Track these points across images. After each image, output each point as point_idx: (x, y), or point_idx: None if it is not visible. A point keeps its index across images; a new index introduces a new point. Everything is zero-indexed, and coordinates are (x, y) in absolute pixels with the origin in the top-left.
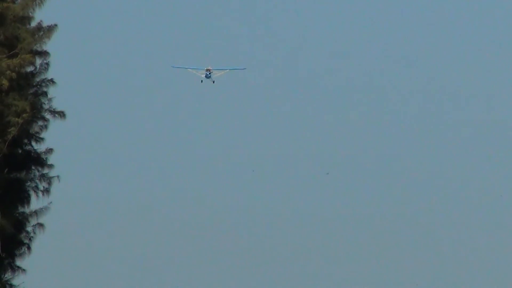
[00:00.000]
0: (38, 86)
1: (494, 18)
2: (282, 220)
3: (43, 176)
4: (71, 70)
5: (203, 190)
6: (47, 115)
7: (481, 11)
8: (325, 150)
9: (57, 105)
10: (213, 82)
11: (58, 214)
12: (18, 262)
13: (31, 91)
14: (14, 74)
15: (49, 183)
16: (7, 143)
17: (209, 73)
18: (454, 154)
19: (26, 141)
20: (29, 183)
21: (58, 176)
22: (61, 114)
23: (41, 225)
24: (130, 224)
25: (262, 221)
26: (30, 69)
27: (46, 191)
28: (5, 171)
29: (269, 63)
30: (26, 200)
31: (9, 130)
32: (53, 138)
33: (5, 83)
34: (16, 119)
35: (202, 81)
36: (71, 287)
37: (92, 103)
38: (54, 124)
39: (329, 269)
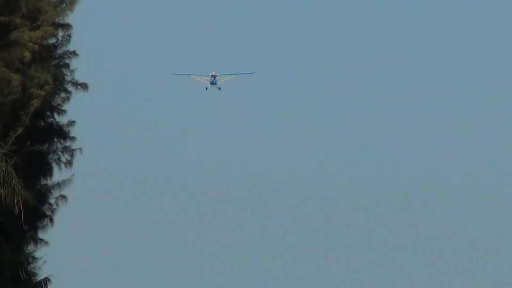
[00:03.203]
0: (60, 58)
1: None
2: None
3: (65, 149)
4: (93, 42)
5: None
6: (70, 87)
7: (481, 12)
8: (336, 158)
9: (79, 77)
10: (219, 88)
11: (81, 186)
12: (41, 234)
13: (53, 63)
14: (36, 46)
15: (72, 155)
16: (29, 115)
17: (215, 79)
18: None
19: (48, 113)
20: (51, 155)
21: (80, 149)
22: (84, 86)
23: (63, 197)
24: (151, 196)
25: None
26: (52, 41)
27: (69, 163)
28: (28, 143)
29: (279, 66)
30: (48, 172)
31: (32, 102)
32: (75, 110)
33: (28, 55)
34: (39, 91)
35: (207, 88)
36: (93, 259)
37: (114, 75)
38: (76, 96)
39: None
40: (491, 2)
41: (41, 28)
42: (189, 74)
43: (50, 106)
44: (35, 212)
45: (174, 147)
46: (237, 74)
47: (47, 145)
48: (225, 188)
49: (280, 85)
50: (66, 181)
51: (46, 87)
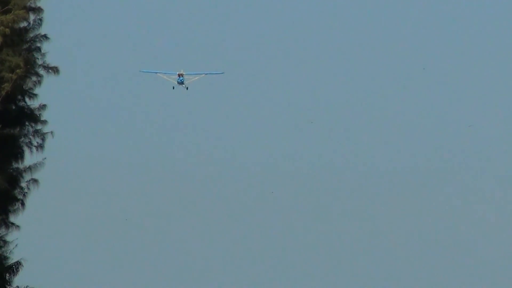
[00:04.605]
0: (32, 42)
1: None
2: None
3: (36, 132)
4: (64, 26)
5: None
6: (41, 71)
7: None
8: (304, 157)
9: (50, 60)
10: (187, 88)
11: (52, 169)
12: (12, 218)
13: (25, 47)
14: (7, 30)
15: (43, 139)
16: (1, 99)
17: (182, 78)
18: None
19: (19, 97)
20: (22, 139)
21: (51, 132)
22: (55, 70)
23: (35, 180)
24: (121, 179)
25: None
26: (23, 25)
27: (40, 146)
28: None
29: (251, 66)
30: (20, 156)
31: (3, 86)
32: (47, 94)
33: None
34: (10, 74)
35: (174, 87)
36: (65, 243)
37: (85, 59)
38: (48, 80)
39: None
40: (491, 2)
41: (12, 12)
42: (156, 72)
43: (21, 90)
44: (7, 196)
45: (144, 133)
46: (206, 74)
47: (18, 129)
48: (189, 184)
49: (251, 86)
50: (37, 165)
51: (18, 70)
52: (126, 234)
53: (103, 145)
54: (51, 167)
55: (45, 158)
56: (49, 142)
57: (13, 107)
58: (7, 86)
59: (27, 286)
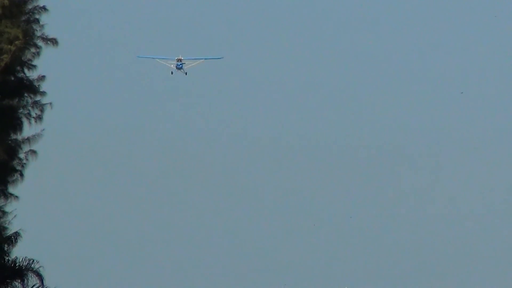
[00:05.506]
0: (30, 14)
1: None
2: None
3: (35, 103)
4: None
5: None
6: (40, 42)
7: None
8: (305, 142)
9: (49, 32)
10: (186, 73)
11: (51, 141)
12: (11, 189)
13: (23, 18)
14: (6, 2)
15: (42, 110)
16: None
17: (181, 64)
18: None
19: (18, 68)
20: (21, 110)
21: (50, 103)
22: (53, 42)
23: (33, 152)
24: (119, 149)
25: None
26: None
27: (39, 118)
28: None
29: (250, 51)
30: (18, 127)
31: (2, 57)
32: (46, 66)
33: None
34: (9, 46)
35: (172, 72)
36: (63, 213)
37: (83, 31)
38: (46, 51)
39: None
40: (491, 3)
41: None
42: (153, 58)
43: (20, 61)
44: (5, 166)
45: (143, 109)
46: (205, 59)
47: (17, 100)
48: (188, 171)
49: (250, 71)
50: (36, 136)
51: (16, 42)
52: (125, 204)
53: (101, 116)
54: (50, 138)
55: (43, 129)
56: (47, 113)
57: (12, 78)
58: (6, 58)
59: (26, 256)
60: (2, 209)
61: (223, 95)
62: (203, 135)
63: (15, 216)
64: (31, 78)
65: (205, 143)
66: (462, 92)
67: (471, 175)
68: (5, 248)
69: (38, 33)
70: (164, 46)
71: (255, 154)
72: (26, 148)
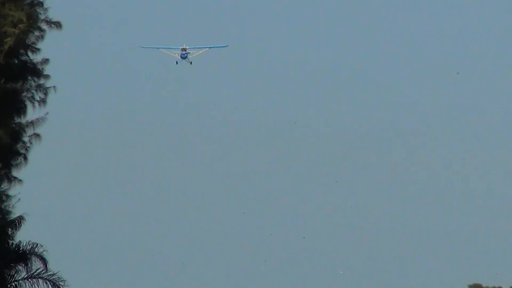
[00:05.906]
0: None
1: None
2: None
3: (39, 87)
4: None
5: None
6: (43, 26)
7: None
8: (307, 131)
9: (53, 15)
10: (191, 63)
11: (54, 124)
12: (15, 172)
13: (27, 1)
14: None
15: (45, 94)
16: (3, 53)
17: (186, 53)
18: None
19: (22, 51)
20: (25, 93)
21: (54, 87)
22: (57, 25)
23: (37, 135)
24: (123, 133)
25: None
26: None
27: (42, 101)
28: (2, 81)
29: (255, 39)
30: (22, 110)
31: (5, 40)
32: (49, 49)
33: None
34: (12, 29)
35: (177, 62)
36: (67, 197)
37: (87, 14)
38: (50, 34)
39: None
40: (491, 3)
41: None
42: (158, 48)
43: (24, 44)
44: (9, 150)
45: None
46: (209, 47)
47: (21, 83)
48: (193, 160)
49: (255, 59)
50: (40, 119)
51: (20, 25)
52: (129, 187)
53: (105, 100)
54: (54, 121)
55: (47, 113)
56: (51, 96)
57: (16, 62)
58: (9, 41)
59: (30, 240)
60: (6, 193)
61: (229, 84)
62: (209, 125)
63: (19, 199)
64: (34, 61)
65: (211, 132)
66: (458, 73)
67: (471, 170)
68: (9, 232)
69: (42, 16)
70: (168, 35)
71: (261, 142)
72: (30, 131)
